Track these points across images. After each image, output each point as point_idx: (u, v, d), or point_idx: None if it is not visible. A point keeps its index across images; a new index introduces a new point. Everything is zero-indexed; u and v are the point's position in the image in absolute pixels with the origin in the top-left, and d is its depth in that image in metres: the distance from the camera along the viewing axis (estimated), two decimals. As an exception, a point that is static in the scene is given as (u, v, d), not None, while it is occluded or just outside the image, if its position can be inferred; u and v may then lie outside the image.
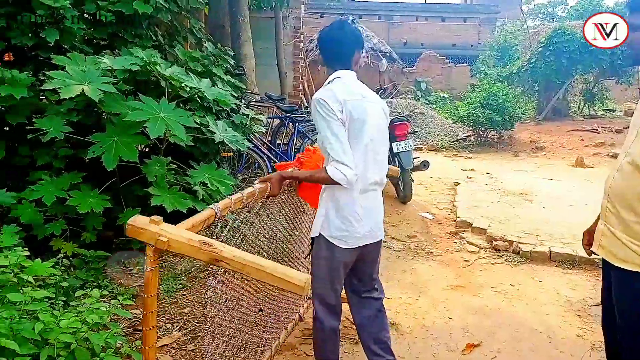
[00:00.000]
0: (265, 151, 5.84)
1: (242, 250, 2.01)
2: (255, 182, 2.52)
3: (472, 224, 5.22)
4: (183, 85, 3.75)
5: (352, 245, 2.33)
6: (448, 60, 19.76)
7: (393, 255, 4.60)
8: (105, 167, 3.30)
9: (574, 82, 14.29)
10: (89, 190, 3.52)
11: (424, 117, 12.83)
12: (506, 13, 22.72)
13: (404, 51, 19.86)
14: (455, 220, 5.48)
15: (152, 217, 1.87)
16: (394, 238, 5.00)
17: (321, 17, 19.60)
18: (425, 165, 6.22)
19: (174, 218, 3.70)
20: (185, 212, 3.59)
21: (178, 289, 3.51)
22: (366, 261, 2.48)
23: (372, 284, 2.56)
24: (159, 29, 5.01)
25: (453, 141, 11.73)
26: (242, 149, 4.06)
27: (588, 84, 14.53)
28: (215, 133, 3.92)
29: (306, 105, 12.58)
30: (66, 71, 3.33)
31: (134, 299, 3.33)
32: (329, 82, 2.36)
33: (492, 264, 4.41)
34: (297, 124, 6.32)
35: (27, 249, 3.36)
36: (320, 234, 2.36)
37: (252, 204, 2.45)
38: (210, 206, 2.11)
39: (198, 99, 4.00)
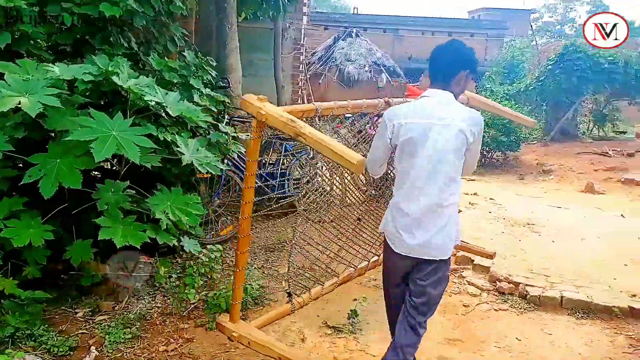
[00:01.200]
0: (247, 172, 5.30)
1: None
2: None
3: (473, 260, 4.68)
4: (145, 98, 3.28)
5: (401, 251, 2.35)
6: (454, 76, 19.30)
7: (377, 296, 3.66)
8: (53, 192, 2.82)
9: (583, 101, 13.76)
10: (30, 219, 3.03)
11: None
12: (514, 30, 22.28)
13: (409, 66, 19.40)
14: (455, 255, 4.94)
15: (259, 96, 2.56)
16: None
17: (325, 29, 19.22)
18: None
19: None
20: (138, 247, 3.11)
21: (127, 339, 2.99)
22: (417, 278, 2.40)
23: (416, 305, 2.41)
24: (134, 35, 4.56)
25: (456, 161, 11.22)
26: (213, 172, 3.58)
27: (599, 105, 13.98)
28: (184, 154, 3.45)
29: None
30: (4, 80, 2.87)
31: (72, 352, 2.83)
32: (418, 98, 2.43)
33: (496, 310, 3.87)
34: (284, 142, 5.53)
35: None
36: (383, 231, 2.49)
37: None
38: (314, 103, 2.65)
39: (164, 114, 3.53)
